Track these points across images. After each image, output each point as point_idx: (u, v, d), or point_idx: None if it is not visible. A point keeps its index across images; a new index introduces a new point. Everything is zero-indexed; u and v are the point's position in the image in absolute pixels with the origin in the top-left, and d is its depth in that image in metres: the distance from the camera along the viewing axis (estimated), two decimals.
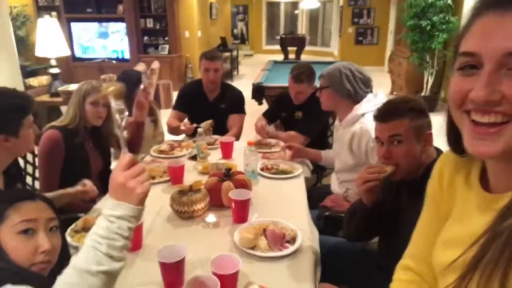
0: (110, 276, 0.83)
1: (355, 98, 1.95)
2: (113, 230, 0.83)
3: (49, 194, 1.69)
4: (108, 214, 0.85)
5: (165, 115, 2.89)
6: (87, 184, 1.76)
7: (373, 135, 1.47)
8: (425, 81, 6.11)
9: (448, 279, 0.64)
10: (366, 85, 1.98)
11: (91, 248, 0.82)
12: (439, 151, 1.33)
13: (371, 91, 2.00)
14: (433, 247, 0.75)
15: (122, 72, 2.61)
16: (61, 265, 0.87)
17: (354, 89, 1.94)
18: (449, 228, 0.73)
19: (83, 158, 2.00)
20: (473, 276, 0.57)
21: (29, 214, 0.93)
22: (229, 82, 3.69)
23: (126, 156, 0.90)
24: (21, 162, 1.84)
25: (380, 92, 2.01)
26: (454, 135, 0.67)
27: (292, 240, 1.39)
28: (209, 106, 2.76)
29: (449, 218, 0.74)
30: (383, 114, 1.32)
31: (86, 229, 1.42)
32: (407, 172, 1.29)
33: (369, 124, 1.76)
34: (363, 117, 1.88)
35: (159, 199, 1.76)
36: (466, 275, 0.58)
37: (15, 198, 0.96)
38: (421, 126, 1.28)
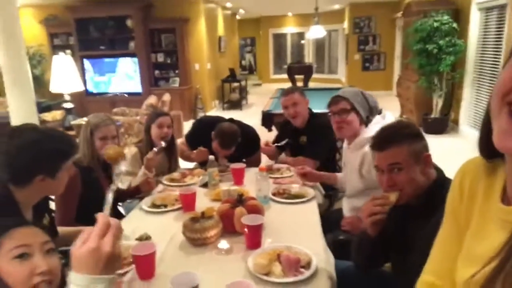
0: None
1: (367, 120, 1.96)
2: None
3: (64, 229, 1.69)
4: None
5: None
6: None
7: None
8: (434, 103, 6.11)
9: None
10: (377, 107, 2.00)
11: None
12: (439, 171, 1.32)
13: (379, 113, 2.01)
14: (455, 261, 0.73)
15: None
16: None
17: (370, 112, 1.96)
18: (469, 244, 0.71)
19: (99, 192, 2.00)
20: None
21: (23, 240, 0.93)
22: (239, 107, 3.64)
23: (101, 219, 0.74)
24: None
25: (388, 113, 2.01)
26: (486, 136, 0.64)
27: (307, 265, 1.36)
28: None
29: (468, 232, 0.72)
30: (380, 143, 1.32)
31: None
32: (410, 196, 1.28)
33: None
34: None
35: (171, 227, 1.75)
36: None
37: (7, 226, 0.97)
38: (419, 150, 1.28)
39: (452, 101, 6.29)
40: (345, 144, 2.14)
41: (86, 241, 0.71)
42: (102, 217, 0.74)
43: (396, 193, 1.27)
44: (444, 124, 6.15)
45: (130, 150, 2.47)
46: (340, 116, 1.98)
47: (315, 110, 2.78)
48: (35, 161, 1.34)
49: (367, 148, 1.86)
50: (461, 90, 5.98)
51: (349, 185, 2.04)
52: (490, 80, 5.28)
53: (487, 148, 0.65)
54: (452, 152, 4.98)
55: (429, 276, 0.85)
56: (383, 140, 1.31)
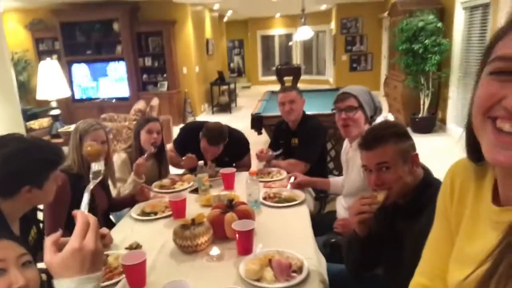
0: None
1: (371, 120, 1.99)
2: None
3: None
4: None
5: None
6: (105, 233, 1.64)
7: None
8: (421, 102, 6.17)
9: None
10: (381, 108, 2.05)
11: None
12: (426, 171, 1.33)
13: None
14: (446, 262, 0.73)
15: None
16: None
17: (375, 112, 1.98)
18: (460, 245, 0.71)
19: (90, 200, 1.97)
20: None
21: None
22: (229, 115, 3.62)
23: (80, 218, 0.74)
24: None
25: (389, 115, 2.04)
26: (473, 142, 0.64)
27: (299, 270, 1.36)
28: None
29: (459, 233, 0.72)
30: (368, 142, 1.33)
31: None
32: (398, 195, 1.30)
33: None
34: None
35: (162, 234, 1.73)
36: None
37: None
38: (406, 149, 1.30)
39: (439, 100, 6.37)
40: (346, 144, 2.14)
41: (55, 247, 0.71)
42: (81, 216, 0.74)
43: (384, 192, 1.29)
44: (431, 123, 6.22)
45: (120, 156, 2.45)
46: (346, 113, 1.95)
47: (312, 112, 2.79)
48: (21, 171, 1.32)
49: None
50: (447, 89, 6.06)
51: (348, 183, 2.04)
52: (475, 79, 5.35)
53: (475, 152, 0.66)
54: (440, 151, 5.05)
55: (421, 278, 0.85)
56: (371, 140, 1.33)
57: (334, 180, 2.32)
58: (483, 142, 0.59)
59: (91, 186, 1.00)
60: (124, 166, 2.42)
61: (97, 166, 1.21)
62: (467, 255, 0.67)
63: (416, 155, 1.32)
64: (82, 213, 0.76)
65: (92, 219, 0.74)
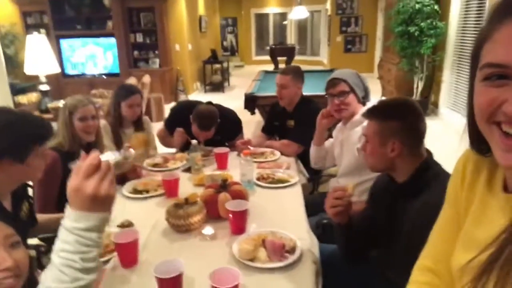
0: None
1: (365, 100, 2.04)
2: (83, 243, 0.75)
3: (44, 216, 1.64)
4: (73, 226, 0.75)
5: (157, 128, 2.85)
6: None
7: None
8: (415, 86, 6.17)
9: (464, 280, 0.62)
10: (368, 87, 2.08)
11: (64, 267, 0.75)
12: (429, 154, 1.33)
13: None
14: (452, 246, 0.73)
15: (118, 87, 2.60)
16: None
17: (366, 90, 2.03)
18: (468, 230, 0.71)
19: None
20: (489, 276, 0.55)
21: None
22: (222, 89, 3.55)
23: (89, 159, 0.77)
24: None
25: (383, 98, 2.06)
26: (477, 137, 0.64)
27: (292, 250, 1.37)
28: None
29: (467, 218, 0.72)
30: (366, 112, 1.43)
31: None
32: (377, 169, 1.39)
33: None
34: None
35: (154, 213, 1.72)
36: (482, 275, 0.56)
37: None
38: (387, 134, 1.31)
39: (432, 83, 6.37)
40: (339, 125, 2.13)
41: (81, 173, 0.75)
42: (91, 158, 0.77)
43: (354, 184, 1.33)
44: (424, 107, 6.23)
45: (101, 122, 2.42)
46: (339, 98, 2.00)
47: (305, 93, 2.75)
48: (1, 143, 1.28)
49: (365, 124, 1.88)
50: (441, 73, 6.05)
51: (343, 164, 2.04)
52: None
53: (481, 148, 0.65)
54: (432, 135, 5.07)
55: (426, 261, 0.85)
56: (370, 109, 1.41)
57: (328, 143, 2.28)
58: (492, 146, 0.59)
59: (123, 156, 0.93)
60: (105, 132, 2.39)
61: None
62: (473, 240, 0.67)
63: (397, 145, 1.29)
64: (96, 155, 0.78)
65: (104, 164, 0.77)
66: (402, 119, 1.31)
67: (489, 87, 0.55)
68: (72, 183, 0.75)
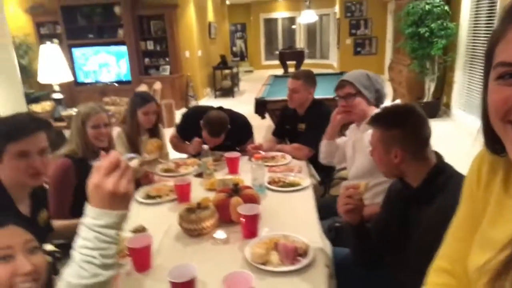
0: (106, 285, 0.80)
1: (378, 101, 2.00)
2: (103, 240, 0.78)
3: (59, 223, 1.67)
4: (92, 223, 0.77)
5: (168, 134, 2.87)
6: None
7: None
8: (426, 87, 6.11)
9: (481, 281, 0.62)
10: (383, 89, 2.04)
11: (84, 263, 0.77)
12: (439, 157, 1.32)
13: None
14: (469, 247, 0.73)
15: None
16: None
17: (377, 93, 1.99)
18: (485, 230, 0.70)
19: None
20: (507, 277, 0.54)
21: (3, 242, 0.90)
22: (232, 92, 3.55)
23: (109, 157, 0.80)
24: None
25: (398, 100, 2.03)
26: (491, 136, 0.64)
27: (304, 254, 1.36)
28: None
29: (483, 219, 0.71)
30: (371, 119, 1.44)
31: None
32: (386, 175, 1.41)
33: None
34: None
35: (167, 218, 1.74)
36: (499, 276, 0.55)
37: None
38: (391, 142, 1.31)
39: (444, 84, 6.30)
40: (352, 127, 2.12)
41: (101, 171, 0.78)
42: (112, 157, 0.79)
43: (365, 183, 1.34)
44: (436, 108, 6.17)
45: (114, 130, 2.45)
46: (346, 101, 2.00)
47: (315, 96, 2.74)
48: None
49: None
50: (453, 74, 5.98)
51: (355, 166, 2.03)
52: (482, 63, 5.25)
53: (496, 147, 0.65)
54: (445, 136, 5.02)
55: (442, 261, 0.84)
56: (373, 117, 1.42)
57: (340, 140, 2.26)
58: (507, 145, 0.59)
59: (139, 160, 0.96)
60: (119, 140, 2.42)
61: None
62: (489, 240, 0.66)
63: (400, 153, 1.29)
64: (116, 154, 0.81)
65: (123, 163, 0.80)
66: (403, 126, 1.31)
67: (502, 85, 0.56)
68: (93, 180, 0.78)
